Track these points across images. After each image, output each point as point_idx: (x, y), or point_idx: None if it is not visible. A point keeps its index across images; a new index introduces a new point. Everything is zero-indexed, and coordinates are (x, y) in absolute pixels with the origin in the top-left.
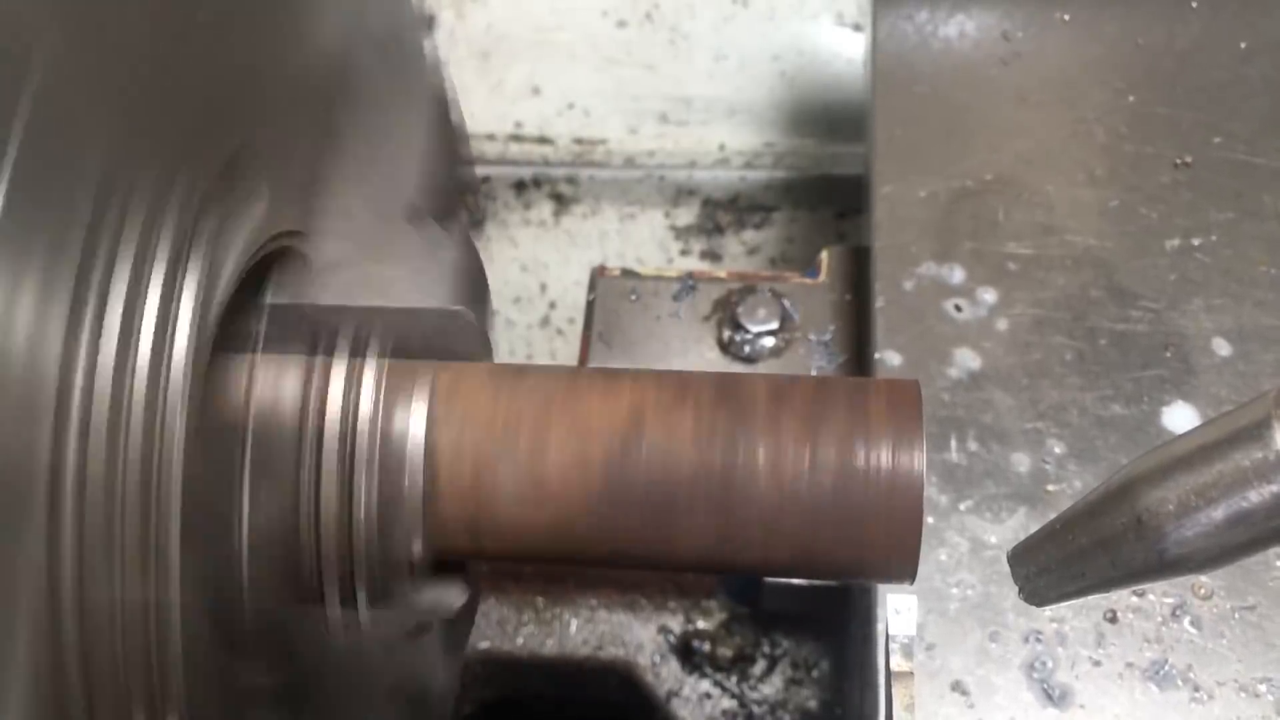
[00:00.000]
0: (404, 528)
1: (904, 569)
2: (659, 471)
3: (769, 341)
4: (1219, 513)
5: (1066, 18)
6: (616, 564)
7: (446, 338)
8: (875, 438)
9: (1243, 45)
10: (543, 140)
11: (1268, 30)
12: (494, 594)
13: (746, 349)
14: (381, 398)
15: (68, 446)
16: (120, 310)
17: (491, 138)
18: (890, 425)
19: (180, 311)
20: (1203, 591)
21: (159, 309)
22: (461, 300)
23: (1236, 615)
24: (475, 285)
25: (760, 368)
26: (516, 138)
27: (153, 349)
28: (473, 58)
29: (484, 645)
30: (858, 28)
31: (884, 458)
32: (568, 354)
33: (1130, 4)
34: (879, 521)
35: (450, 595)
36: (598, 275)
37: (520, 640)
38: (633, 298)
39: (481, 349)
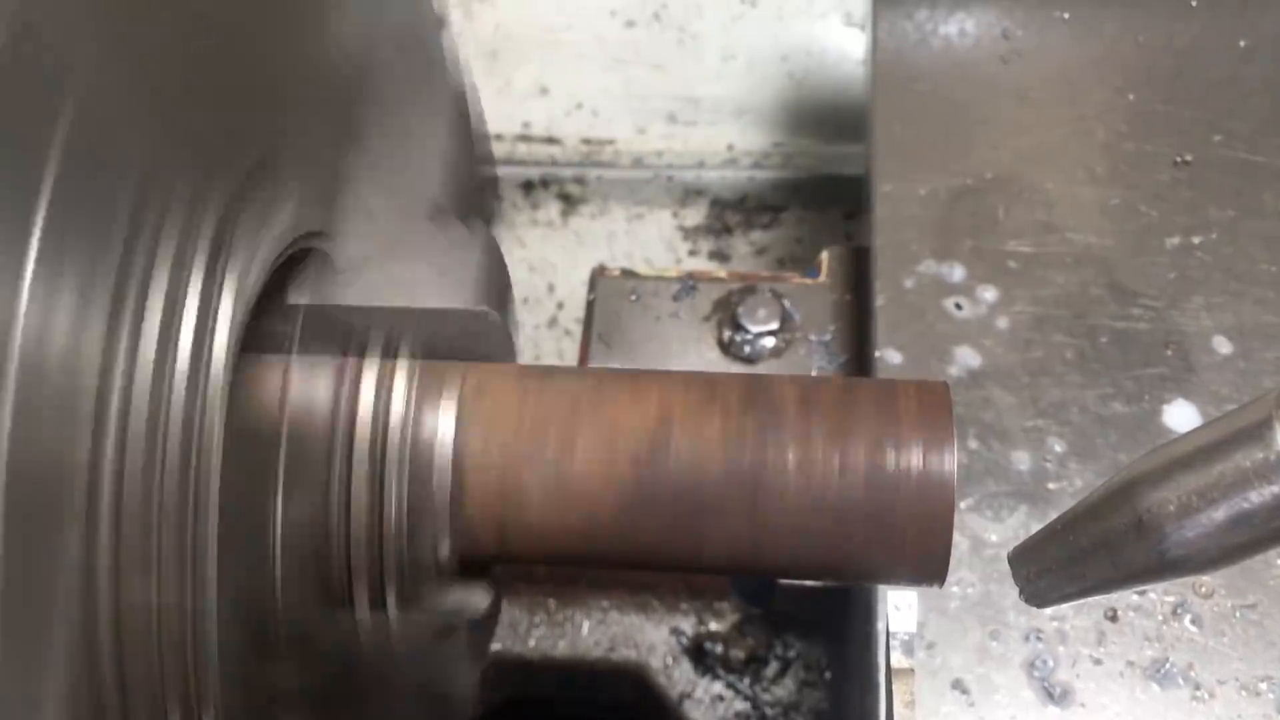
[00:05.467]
0: (432, 530)
1: (934, 572)
2: (688, 474)
3: (769, 342)
4: (1220, 513)
5: (1066, 16)
6: (645, 566)
7: (472, 339)
8: (905, 439)
9: (1242, 43)
10: (551, 140)
11: (1267, 28)
12: (506, 596)
13: (746, 349)
14: (412, 400)
15: (106, 448)
16: (160, 312)
17: (499, 138)
18: (920, 427)
19: (219, 313)
20: (1203, 590)
21: (198, 310)
22: (485, 300)
23: (1237, 614)
24: (499, 285)
25: (760, 368)
26: (524, 138)
27: (192, 350)
28: (481, 58)
29: (496, 647)
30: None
31: (914, 460)
32: (576, 355)
33: (1130, 2)
34: (909, 524)
35: (475, 598)
36: (598, 275)
37: (532, 642)
38: (633, 298)
39: (506, 350)
